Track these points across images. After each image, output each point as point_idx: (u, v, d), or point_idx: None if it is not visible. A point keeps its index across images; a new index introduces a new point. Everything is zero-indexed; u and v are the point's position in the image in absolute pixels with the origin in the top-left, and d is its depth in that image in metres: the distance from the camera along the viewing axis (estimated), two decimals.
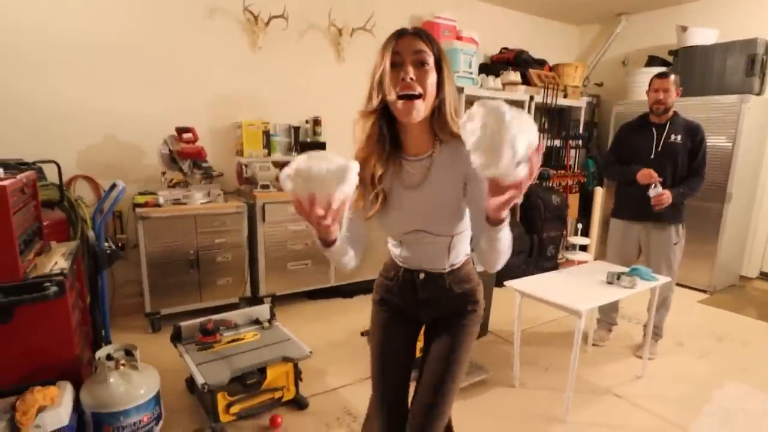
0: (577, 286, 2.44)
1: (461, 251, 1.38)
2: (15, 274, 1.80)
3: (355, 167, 1.01)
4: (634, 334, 3.21)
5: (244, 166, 3.38)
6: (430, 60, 1.20)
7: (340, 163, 0.99)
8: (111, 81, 3.12)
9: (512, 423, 2.22)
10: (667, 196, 2.64)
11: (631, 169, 2.79)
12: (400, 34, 1.21)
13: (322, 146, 3.78)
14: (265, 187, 3.33)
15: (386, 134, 1.26)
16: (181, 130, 3.07)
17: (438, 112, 1.23)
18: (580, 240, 4.58)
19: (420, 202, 1.28)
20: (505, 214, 1.05)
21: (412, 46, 1.19)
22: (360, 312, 3.46)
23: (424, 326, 1.48)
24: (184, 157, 3.04)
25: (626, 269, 2.58)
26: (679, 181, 2.75)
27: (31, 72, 2.89)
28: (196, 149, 3.01)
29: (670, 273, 2.78)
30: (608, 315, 3.13)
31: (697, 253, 4.16)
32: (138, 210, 2.90)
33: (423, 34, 1.21)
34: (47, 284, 1.80)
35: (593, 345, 3.06)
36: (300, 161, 1.00)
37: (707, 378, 2.68)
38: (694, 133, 2.74)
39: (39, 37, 2.88)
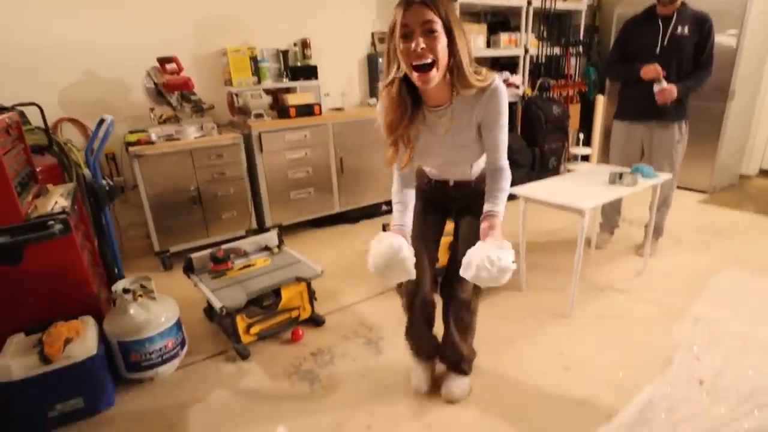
0: (579, 188, 2.44)
1: (482, 166, 1.65)
2: (16, 215, 1.80)
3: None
4: (636, 236, 3.28)
5: (234, 96, 3.26)
6: (439, 26, 1.27)
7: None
8: (86, 12, 2.92)
9: (520, 321, 2.33)
10: (673, 91, 2.57)
11: (634, 67, 2.69)
12: (407, 4, 1.27)
13: (312, 71, 3.62)
14: (258, 116, 3.24)
15: (407, 97, 1.42)
16: (163, 60, 2.92)
17: (457, 70, 1.34)
18: (582, 150, 4.54)
19: (445, 145, 1.53)
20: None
21: (420, 17, 1.26)
22: (367, 236, 3.49)
23: (454, 212, 1.80)
24: (171, 89, 2.91)
25: (628, 169, 2.57)
26: (684, 77, 2.66)
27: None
28: (182, 80, 2.88)
29: (672, 171, 2.77)
30: (610, 218, 3.17)
31: (697, 154, 4.13)
32: (131, 149, 2.83)
33: (428, 1, 1.26)
34: (51, 222, 1.81)
35: (596, 248, 3.13)
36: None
37: (704, 269, 2.77)
38: (702, 24, 2.60)
39: None
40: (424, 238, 1.71)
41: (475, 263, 1.28)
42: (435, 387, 1.87)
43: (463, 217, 1.74)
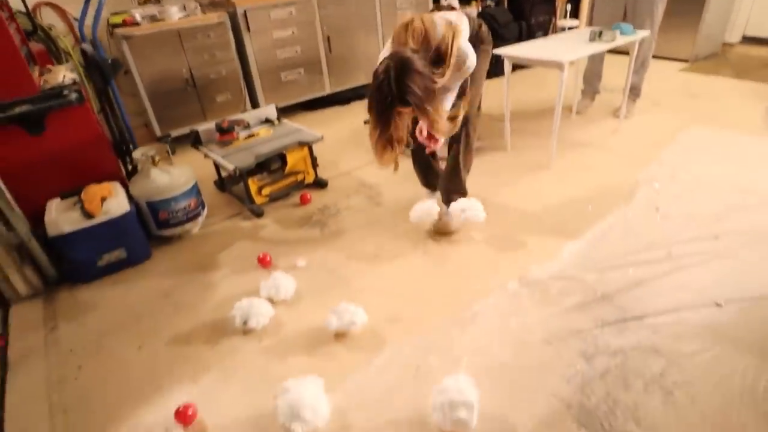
0: (561, 46, 2.56)
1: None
2: (32, 87, 1.91)
3: None
4: (616, 102, 3.44)
5: None
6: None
7: None
8: None
9: (506, 175, 2.58)
10: None
11: None
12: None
13: None
14: None
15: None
16: None
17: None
18: (569, 22, 4.50)
19: None
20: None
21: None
22: (359, 114, 3.63)
23: None
24: None
25: (610, 27, 2.66)
26: None
27: None
28: None
29: (652, 28, 2.86)
30: (592, 83, 3.31)
31: (681, 24, 4.16)
32: (117, 31, 2.83)
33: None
34: (66, 92, 1.93)
35: (577, 113, 3.31)
36: None
37: (676, 126, 2.99)
38: None
39: None
40: None
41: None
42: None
43: None
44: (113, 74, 2.12)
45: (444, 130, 1.68)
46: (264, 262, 2.00)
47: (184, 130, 3.21)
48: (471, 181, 2.16)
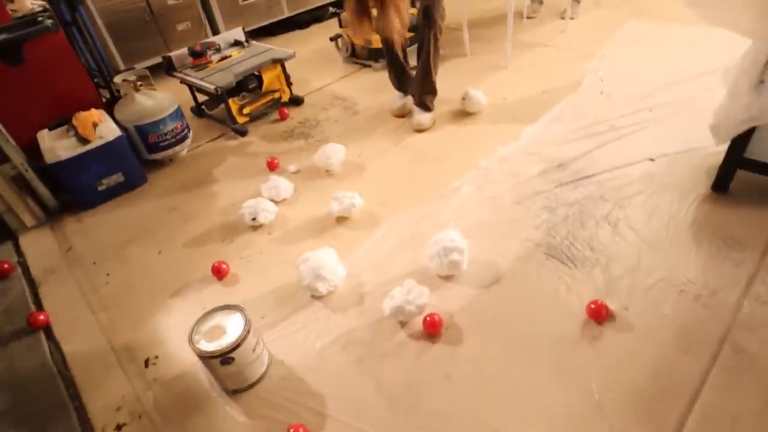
0: None
1: None
2: (4, 16, 1.90)
3: None
4: (562, 4, 3.63)
5: None
6: None
7: None
8: None
9: (469, 76, 2.79)
10: None
11: None
12: None
13: None
14: None
15: None
16: None
17: None
18: None
19: None
20: None
21: None
22: (320, 36, 3.68)
23: None
24: None
25: None
26: None
27: None
28: None
29: None
30: None
31: None
32: None
33: None
34: (40, 18, 1.94)
35: (527, 18, 3.51)
36: None
37: (616, 22, 3.25)
38: None
39: None
40: None
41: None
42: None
43: None
44: (80, 0, 2.11)
45: (397, 28, 1.86)
46: (272, 165, 2.18)
47: (147, 63, 3.19)
48: (438, 84, 2.36)
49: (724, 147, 1.64)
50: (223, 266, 1.67)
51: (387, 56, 2.36)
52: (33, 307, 1.74)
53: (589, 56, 2.84)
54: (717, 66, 2.29)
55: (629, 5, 3.52)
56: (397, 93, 2.49)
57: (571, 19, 3.32)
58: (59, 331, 1.64)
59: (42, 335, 1.62)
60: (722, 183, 1.69)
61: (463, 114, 2.42)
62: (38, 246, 2.04)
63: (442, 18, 2.19)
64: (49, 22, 1.92)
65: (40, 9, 1.99)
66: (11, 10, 1.99)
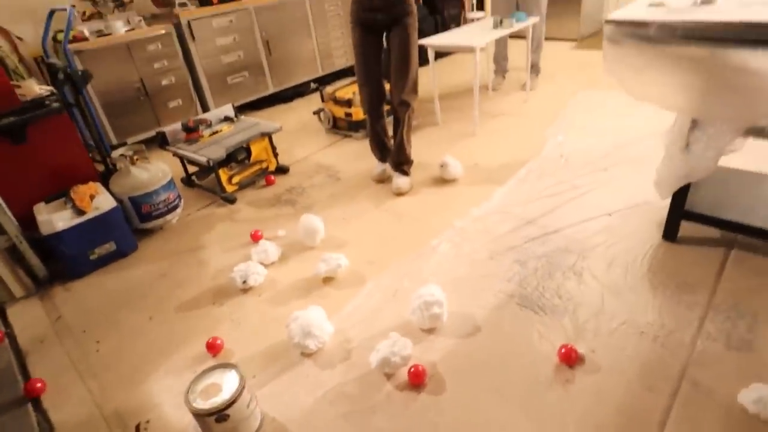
0: (471, 34, 3.08)
1: None
2: (14, 100, 2.07)
3: None
4: (523, 78, 4.04)
5: None
6: None
7: None
8: None
9: (440, 144, 3.05)
10: None
11: None
12: None
13: None
14: (183, 5, 3.39)
15: None
16: None
17: None
18: (476, 14, 5.11)
19: None
20: None
21: None
22: (303, 110, 3.96)
23: (384, 34, 2.36)
24: None
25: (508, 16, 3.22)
26: None
27: None
28: None
29: (540, 14, 3.46)
30: (500, 64, 3.88)
31: (566, 8, 4.92)
32: (69, 47, 2.94)
33: None
34: (48, 102, 2.11)
35: (493, 90, 3.87)
36: None
37: (570, 92, 3.63)
38: None
39: None
40: (367, 59, 2.39)
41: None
42: (387, 188, 2.57)
43: (392, 36, 2.33)
44: (84, 84, 2.30)
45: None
46: (256, 237, 2.29)
47: (139, 137, 3.37)
48: (415, 151, 2.59)
49: (668, 201, 1.85)
50: (218, 342, 1.69)
51: (370, 131, 2.61)
52: (20, 378, 1.74)
53: (549, 123, 3.14)
54: (659, 127, 2.58)
55: (580, 78, 3.94)
56: (377, 162, 2.70)
57: (531, 90, 3.69)
58: (48, 400, 1.64)
59: (29, 406, 1.62)
60: (671, 233, 1.89)
61: (439, 179, 2.63)
62: (27, 316, 2.07)
63: (414, 94, 2.45)
64: (56, 105, 2.09)
65: (47, 93, 2.16)
66: (20, 95, 2.15)
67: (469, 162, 2.76)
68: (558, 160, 2.67)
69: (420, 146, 2.96)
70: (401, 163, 2.56)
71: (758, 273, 1.69)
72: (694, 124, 1.61)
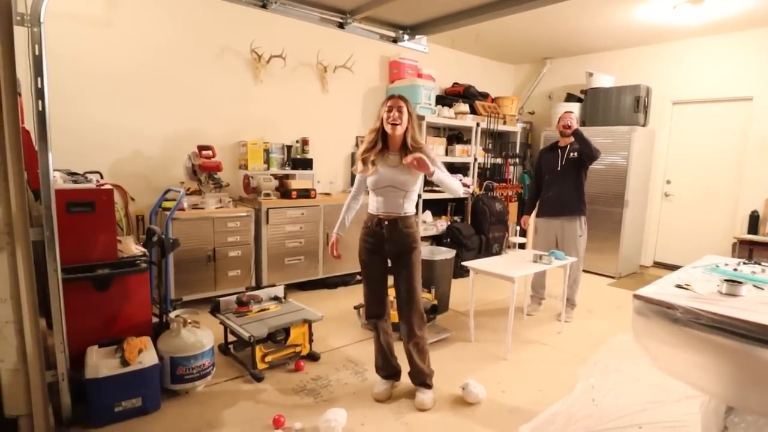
0: (512, 264, 3.37)
1: (409, 206, 2.49)
2: (114, 254, 2.45)
3: None
4: (559, 307, 4.20)
5: (250, 178, 4.08)
6: (404, 109, 2.40)
7: None
8: (139, 107, 3.76)
9: (470, 362, 3.08)
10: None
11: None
12: (391, 97, 2.43)
13: (309, 162, 4.55)
14: (267, 195, 4.05)
15: (380, 140, 2.45)
16: (202, 148, 3.74)
17: (407, 134, 2.42)
18: (518, 239, 5.59)
19: (393, 172, 2.43)
20: (430, 168, 2.33)
21: (397, 102, 2.40)
22: (344, 298, 4.22)
23: (389, 259, 2.54)
24: (205, 170, 3.70)
25: (547, 252, 3.56)
26: (580, 184, 3.79)
27: (69, 99, 3.47)
28: (215, 164, 3.69)
29: (578, 256, 3.79)
30: (538, 291, 4.10)
31: (605, 248, 5.32)
32: (166, 213, 3.52)
33: (401, 97, 2.44)
34: (138, 261, 2.46)
35: (528, 315, 4.01)
36: None
37: (606, 332, 3.69)
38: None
39: (79, 70, 3.48)
40: (372, 277, 2.58)
41: None
42: (407, 397, 2.56)
43: (396, 264, 2.50)
44: (171, 250, 2.70)
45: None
46: (278, 423, 2.28)
47: (195, 296, 3.67)
48: (441, 366, 2.65)
49: None
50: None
51: (375, 343, 2.63)
52: None
53: (582, 361, 3.15)
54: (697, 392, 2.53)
55: (618, 317, 4.03)
56: (379, 378, 2.66)
57: (566, 322, 3.79)
58: None
59: None
60: None
61: (462, 401, 2.61)
62: None
63: (423, 323, 2.53)
64: (144, 265, 2.44)
65: (140, 253, 2.55)
66: (119, 250, 2.54)
67: (495, 388, 2.75)
68: (589, 404, 2.60)
69: (449, 360, 3.02)
70: (423, 375, 2.56)
71: None
72: (730, 409, 1.62)
